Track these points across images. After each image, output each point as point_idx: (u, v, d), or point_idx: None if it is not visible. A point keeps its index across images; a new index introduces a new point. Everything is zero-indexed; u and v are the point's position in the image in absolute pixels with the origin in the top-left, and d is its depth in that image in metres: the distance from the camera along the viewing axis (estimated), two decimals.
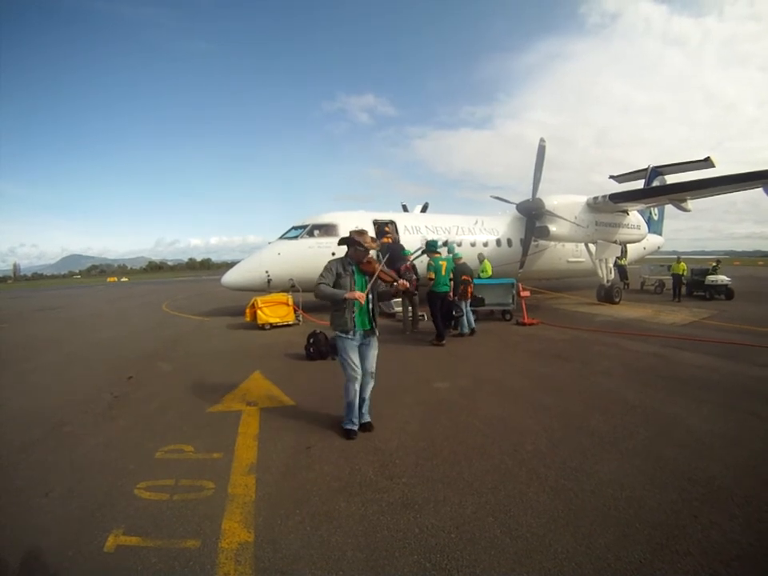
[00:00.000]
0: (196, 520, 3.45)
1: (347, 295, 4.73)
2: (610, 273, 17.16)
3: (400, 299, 12.42)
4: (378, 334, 5.18)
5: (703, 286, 17.97)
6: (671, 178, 21.30)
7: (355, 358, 4.97)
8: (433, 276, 10.28)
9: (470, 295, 11.27)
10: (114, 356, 9.78)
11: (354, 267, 4.99)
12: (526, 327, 11.90)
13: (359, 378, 4.95)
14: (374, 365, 5.18)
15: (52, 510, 3.66)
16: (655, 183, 21.18)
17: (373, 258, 5.19)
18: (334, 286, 4.85)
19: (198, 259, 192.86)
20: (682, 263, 17.49)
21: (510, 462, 4.22)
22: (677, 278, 17.41)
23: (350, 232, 5.14)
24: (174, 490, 3.90)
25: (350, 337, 4.90)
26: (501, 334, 11.22)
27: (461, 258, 11.72)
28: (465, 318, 10.99)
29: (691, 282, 18.57)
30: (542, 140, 16.27)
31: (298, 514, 3.48)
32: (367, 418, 5.16)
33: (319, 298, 4.93)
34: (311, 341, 8.74)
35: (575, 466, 4.09)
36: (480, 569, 2.82)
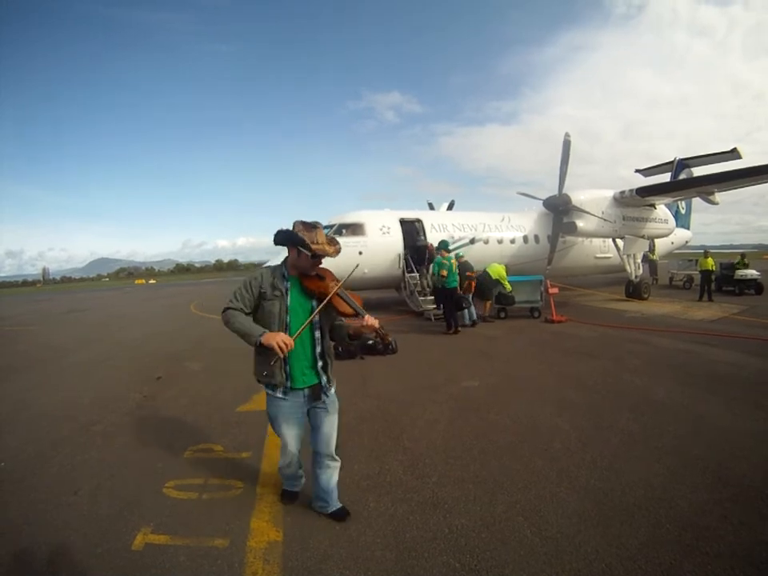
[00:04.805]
0: (225, 519, 3.47)
1: (263, 340, 2.82)
2: (638, 268, 16.80)
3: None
4: (333, 390, 3.30)
5: (732, 280, 17.59)
6: (698, 171, 20.88)
7: (290, 431, 3.23)
8: (445, 273, 11.09)
9: (473, 290, 12.36)
10: (143, 356, 9.97)
11: (290, 282, 3.12)
12: (555, 324, 11.79)
13: (294, 462, 3.37)
14: (333, 441, 3.33)
15: (80, 508, 3.72)
16: (682, 176, 20.79)
17: (328, 270, 3.23)
18: (256, 313, 3.13)
19: (225, 260, 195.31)
20: (710, 258, 16.49)
21: (540, 461, 4.16)
22: (705, 275, 16.18)
23: (295, 224, 3.09)
24: (202, 488, 3.94)
25: (279, 395, 3.14)
26: (529, 331, 11.15)
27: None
28: (468, 309, 11.98)
29: (720, 277, 18.06)
30: (567, 134, 16.07)
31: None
32: (337, 504, 3.44)
33: (228, 328, 3.09)
34: None
35: (605, 465, 4.02)
36: (510, 569, 2.79)
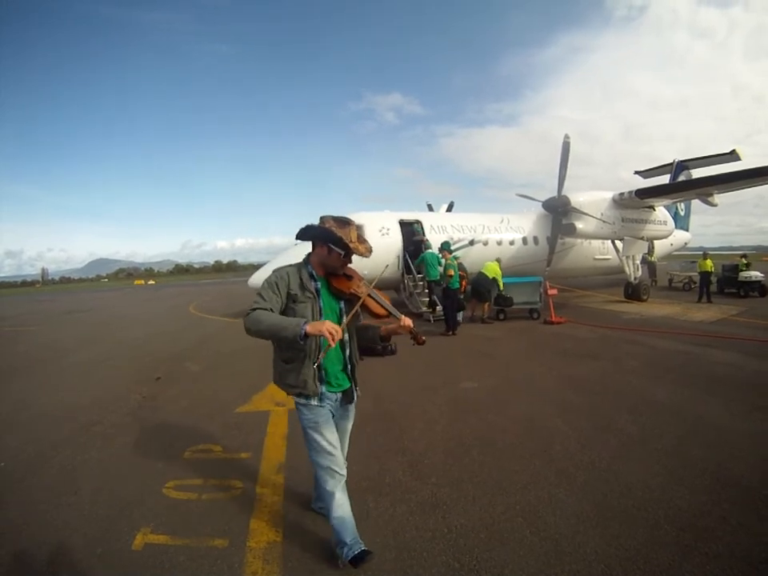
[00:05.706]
0: (224, 519, 3.48)
1: (309, 328, 2.40)
2: (637, 270, 16.80)
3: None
4: (357, 397, 3.09)
5: (736, 282, 17.35)
6: (697, 173, 20.85)
7: (334, 436, 2.88)
8: (452, 273, 11.31)
9: (464, 289, 12.56)
10: (143, 357, 9.97)
11: (320, 283, 2.87)
12: (554, 326, 11.79)
13: (344, 471, 2.90)
14: (347, 446, 3.21)
15: (81, 508, 3.73)
16: (681, 178, 20.80)
17: (353, 269, 3.01)
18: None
19: (225, 261, 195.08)
20: (709, 260, 16.40)
21: (539, 462, 4.17)
22: (705, 277, 16.03)
23: (325, 219, 2.82)
24: (202, 489, 3.95)
25: (315, 403, 2.80)
26: (528, 332, 11.17)
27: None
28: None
29: (722, 279, 17.96)
30: (566, 136, 16.04)
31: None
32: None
33: (252, 334, 2.57)
34: None
35: (604, 467, 4.03)
36: (509, 570, 2.80)
